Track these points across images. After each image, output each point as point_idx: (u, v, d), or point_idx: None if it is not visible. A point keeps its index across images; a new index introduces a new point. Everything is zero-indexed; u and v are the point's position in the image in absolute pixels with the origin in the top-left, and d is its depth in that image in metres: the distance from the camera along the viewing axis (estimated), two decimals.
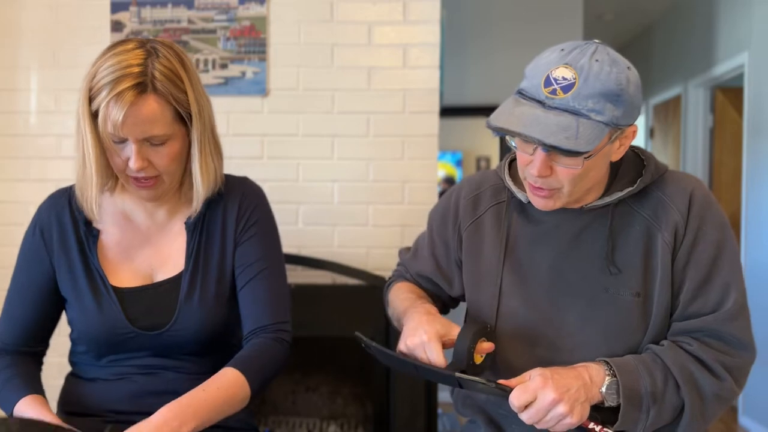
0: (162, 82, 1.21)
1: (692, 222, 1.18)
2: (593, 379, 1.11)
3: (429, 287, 1.44)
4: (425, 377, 1.17)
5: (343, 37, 2.57)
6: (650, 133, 6.05)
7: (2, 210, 2.57)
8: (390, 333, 2.35)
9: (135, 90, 1.18)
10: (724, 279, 1.17)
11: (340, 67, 2.57)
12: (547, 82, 1.09)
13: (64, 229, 1.34)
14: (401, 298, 1.37)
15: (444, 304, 1.45)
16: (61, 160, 2.59)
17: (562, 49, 1.11)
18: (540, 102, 1.09)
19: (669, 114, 5.54)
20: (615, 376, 1.11)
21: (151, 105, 1.20)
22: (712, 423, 1.20)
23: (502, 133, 1.10)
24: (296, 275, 2.50)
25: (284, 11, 2.57)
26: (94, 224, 1.34)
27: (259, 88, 2.57)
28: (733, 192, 4.47)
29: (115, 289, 1.31)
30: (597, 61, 1.08)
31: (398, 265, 1.53)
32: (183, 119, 1.26)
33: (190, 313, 1.30)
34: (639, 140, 6.49)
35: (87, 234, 1.33)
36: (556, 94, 1.08)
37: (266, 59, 2.57)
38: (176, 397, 1.26)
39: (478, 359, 1.15)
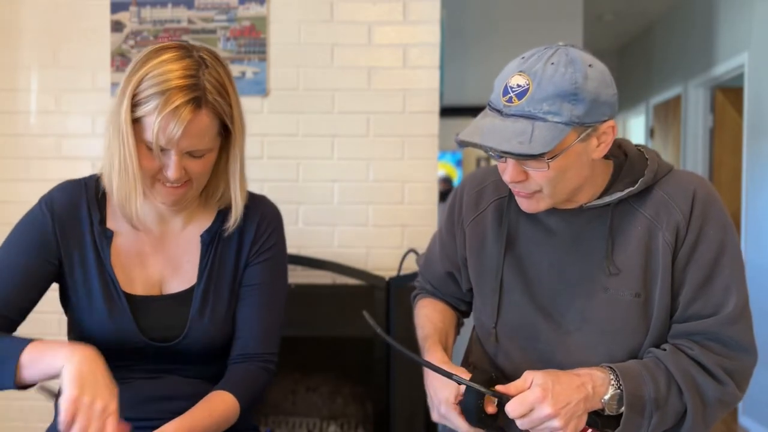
0: (213, 95, 1.19)
1: (694, 222, 1.17)
2: (596, 390, 1.10)
3: (448, 290, 1.43)
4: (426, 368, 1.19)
5: (343, 37, 2.57)
6: (650, 133, 6.05)
7: (2, 210, 2.57)
8: (391, 333, 2.35)
9: (192, 105, 1.16)
10: (725, 281, 1.16)
11: (340, 67, 2.57)
12: (505, 91, 1.11)
13: (80, 224, 1.29)
14: (420, 333, 1.38)
15: (468, 304, 1.45)
16: (61, 160, 2.60)
17: (523, 57, 1.13)
18: (499, 111, 1.11)
19: (669, 114, 5.54)
20: (620, 389, 1.10)
21: (204, 120, 1.19)
22: (712, 426, 1.20)
23: (464, 145, 1.12)
24: (296, 275, 2.50)
25: (284, 11, 2.57)
26: (109, 225, 1.30)
27: (259, 88, 2.57)
28: (733, 192, 4.46)
29: (127, 296, 1.27)
30: (552, 64, 1.09)
31: (419, 275, 1.53)
32: (223, 132, 1.26)
33: (201, 328, 1.28)
34: (639, 140, 6.49)
35: (101, 235, 1.29)
36: (512, 102, 1.09)
37: (266, 59, 2.57)
38: (178, 401, 1.26)
39: (491, 410, 1.13)
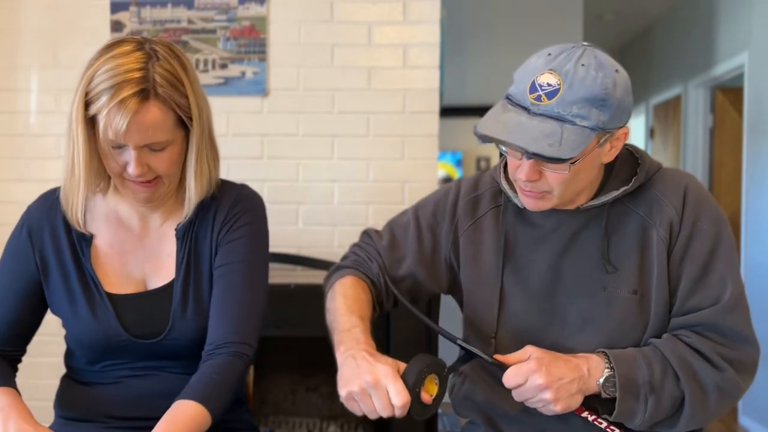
0: (164, 87, 1.17)
1: (687, 217, 1.18)
2: (591, 372, 1.12)
3: (397, 278, 1.33)
4: (426, 324, 1.15)
5: (343, 37, 2.57)
6: (650, 133, 6.05)
7: (2, 210, 2.57)
8: (391, 332, 2.35)
9: (138, 97, 1.14)
10: (721, 273, 1.17)
11: (340, 67, 2.57)
12: (533, 88, 1.08)
13: (55, 231, 1.30)
14: (341, 313, 1.24)
15: (395, 304, 1.35)
16: (61, 160, 2.56)
17: (549, 54, 1.11)
18: (525, 108, 1.09)
19: (669, 114, 5.54)
20: (612, 370, 1.12)
21: (154, 112, 1.16)
22: (717, 417, 1.19)
23: (487, 141, 1.09)
24: (296, 275, 2.50)
25: (284, 11, 2.57)
26: (87, 227, 1.30)
27: (259, 88, 2.56)
28: (733, 192, 4.46)
29: (109, 296, 1.27)
30: (583, 65, 1.08)
31: (356, 247, 1.40)
32: (183, 123, 1.23)
33: (185, 323, 1.27)
34: (639, 140, 6.50)
35: (80, 238, 1.29)
36: (540, 101, 1.07)
37: (266, 59, 2.57)
38: (173, 399, 1.25)
39: (426, 398, 1.07)
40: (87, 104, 1.17)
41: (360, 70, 2.57)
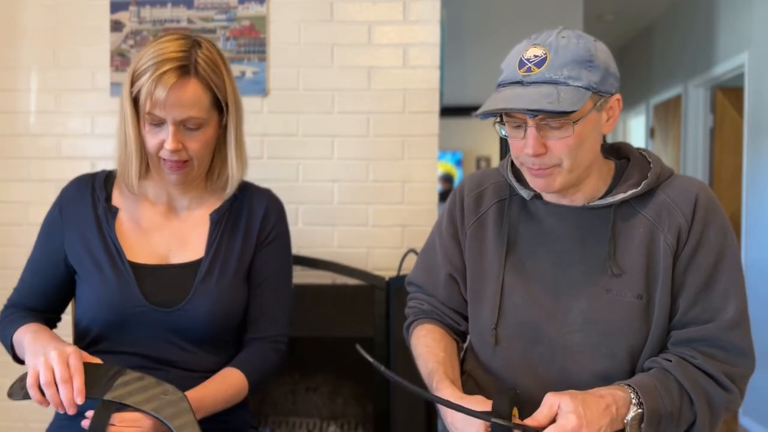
0: (203, 68, 1.28)
1: (696, 226, 1.18)
2: (619, 411, 1.09)
3: (452, 299, 1.36)
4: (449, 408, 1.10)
5: (343, 37, 2.57)
6: (650, 133, 6.05)
7: (2, 210, 2.57)
8: (390, 334, 2.35)
9: (178, 72, 1.25)
10: (724, 285, 1.17)
11: (340, 67, 2.57)
12: (521, 64, 1.14)
13: (84, 206, 1.40)
14: (424, 368, 1.30)
15: (467, 319, 1.38)
16: (61, 160, 2.59)
17: (530, 38, 1.18)
18: (518, 82, 1.14)
19: (669, 114, 5.54)
20: (641, 407, 1.09)
21: (193, 87, 1.27)
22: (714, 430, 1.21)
23: (488, 116, 1.14)
24: (296, 275, 2.48)
25: (284, 11, 2.57)
26: (113, 202, 1.40)
27: (259, 88, 2.56)
28: (733, 192, 4.46)
29: (132, 264, 1.34)
30: (563, 37, 1.14)
31: (411, 299, 1.46)
32: (218, 107, 1.33)
33: (206, 293, 1.33)
34: (639, 140, 6.49)
35: (106, 211, 1.39)
36: (531, 71, 1.13)
37: (266, 59, 2.57)
38: None
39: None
40: (133, 83, 1.28)
41: (360, 70, 2.56)
